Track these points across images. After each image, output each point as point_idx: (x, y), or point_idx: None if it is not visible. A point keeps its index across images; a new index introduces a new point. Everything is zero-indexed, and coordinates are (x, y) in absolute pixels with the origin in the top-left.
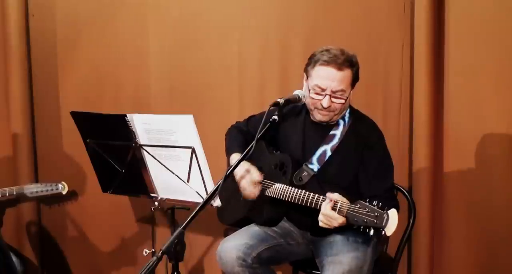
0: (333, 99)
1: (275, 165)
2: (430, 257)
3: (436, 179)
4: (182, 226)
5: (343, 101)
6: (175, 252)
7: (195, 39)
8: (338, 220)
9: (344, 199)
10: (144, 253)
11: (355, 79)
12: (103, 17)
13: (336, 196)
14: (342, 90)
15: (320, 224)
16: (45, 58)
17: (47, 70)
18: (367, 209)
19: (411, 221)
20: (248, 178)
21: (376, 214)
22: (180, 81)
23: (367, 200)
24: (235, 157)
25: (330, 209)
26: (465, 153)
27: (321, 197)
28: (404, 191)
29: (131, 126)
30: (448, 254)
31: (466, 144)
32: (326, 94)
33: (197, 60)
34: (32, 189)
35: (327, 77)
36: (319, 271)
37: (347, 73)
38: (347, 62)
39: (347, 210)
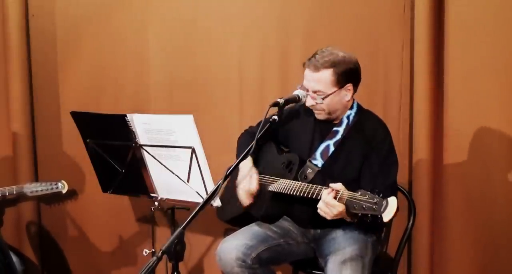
0: (315, 100)
1: (283, 163)
2: (430, 257)
3: (436, 178)
4: (182, 226)
5: (321, 101)
6: (175, 252)
7: (195, 40)
8: (337, 207)
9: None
10: (144, 253)
11: (341, 80)
12: (103, 17)
13: (339, 185)
14: (319, 91)
15: (319, 210)
16: (45, 58)
17: (47, 70)
18: (367, 196)
19: (411, 221)
20: (246, 184)
21: (375, 200)
22: (180, 81)
23: (369, 190)
24: (244, 161)
25: (332, 197)
26: (465, 153)
27: (323, 187)
28: (404, 191)
29: (131, 126)
30: (448, 254)
31: (466, 143)
32: (307, 94)
33: (197, 61)
34: (32, 188)
35: (306, 78)
36: (319, 271)
37: (324, 73)
38: (326, 63)
39: (348, 197)
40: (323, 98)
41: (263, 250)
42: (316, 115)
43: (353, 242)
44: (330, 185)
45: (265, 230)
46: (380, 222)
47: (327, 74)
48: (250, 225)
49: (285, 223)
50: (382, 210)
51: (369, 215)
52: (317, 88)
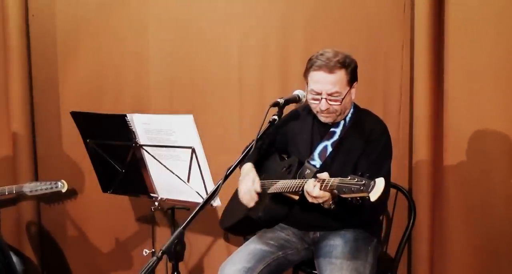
0: (330, 102)
1: (283, 167)
2: (430, 257)
3: (436, 179)
4: (182, 226)
5: (339, 102)
6: (175, 252)
7: (195, 39)
8: (323, 198)
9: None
10: (144, 253)
11: (351, 78)
12: (103, 17)
13: (325, 175)
14: (336, 92)
15: (305, 195)
16: (45, 58)
17: (47, 70)
18: (356, 179)
19: (411, 221)
20: (249, 183)
21: (364, 182)
22: (180, 81)
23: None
24: (245, 167)
25: (313, 187)
26: (465, 153)
27: (310, 179)
28: (404, 191)
29: (131, 126)
30: (448, 254)
31: (466, 143)
32: (322, 98)
33: (197, 60)
34: (31, 187)
35: (319, 81)
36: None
37: (339, 74)
38: (339, 64)
39: (338, 183)
40: (341, 100)
41: (262, 269)
42: (323, 119)
43: (352, 257)
44: (318, 175)
45: (262, 247)
46: (371, 207)
47: (342, 75)
48: (246, 243)
49: (282, 234)
50: (369, 190)
51: (358, 198)
52: (334, 90)
